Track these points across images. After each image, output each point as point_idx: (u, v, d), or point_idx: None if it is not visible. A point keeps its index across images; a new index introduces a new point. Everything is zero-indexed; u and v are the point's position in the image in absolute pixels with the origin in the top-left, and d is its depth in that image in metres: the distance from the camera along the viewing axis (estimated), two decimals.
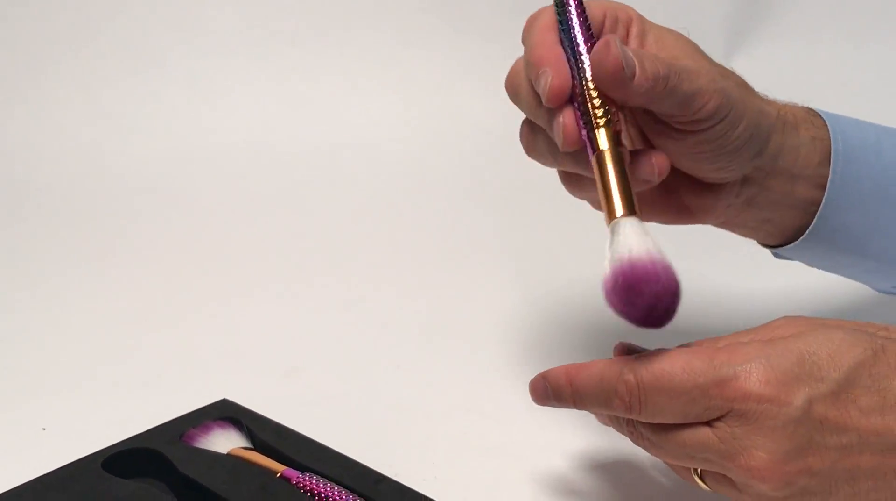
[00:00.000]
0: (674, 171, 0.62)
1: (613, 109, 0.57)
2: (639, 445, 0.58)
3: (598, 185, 0.56)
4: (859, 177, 0.67)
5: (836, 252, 0.70)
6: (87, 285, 1.00)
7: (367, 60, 1.38)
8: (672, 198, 0.65)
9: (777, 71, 1.38)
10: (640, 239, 0.54)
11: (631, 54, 0.55)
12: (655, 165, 0.59)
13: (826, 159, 0.66)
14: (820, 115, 0.68)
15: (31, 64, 1.34)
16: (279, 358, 0.85)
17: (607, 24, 0.61)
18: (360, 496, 0.62)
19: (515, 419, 0.75)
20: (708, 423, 0.53)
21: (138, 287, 1.00)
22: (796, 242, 0.69)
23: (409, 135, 1.31)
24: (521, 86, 0.60)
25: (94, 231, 1.13)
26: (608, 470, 0.70)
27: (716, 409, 0.52)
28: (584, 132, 0.56)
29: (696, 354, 0.53)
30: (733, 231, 0.70)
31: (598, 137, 0.56)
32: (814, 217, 0.67)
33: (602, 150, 0.56)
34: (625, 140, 0.59)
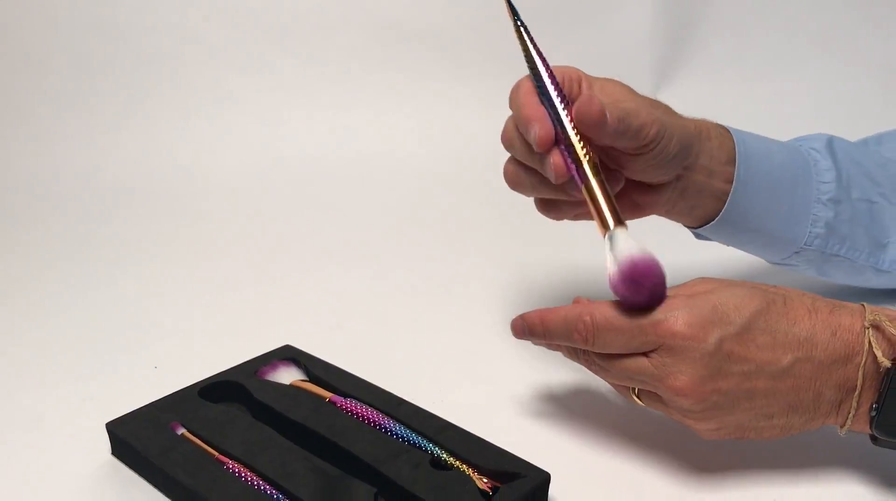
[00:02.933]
0: (626, 180, 0.63)
1: (589, 146, 0.57)
2: (591, 371, 0.59)
3: (591, 207, 0.57)
4: (757, 173, 0.68)
5: (740, 231, 0.70)
6: (189, 261, 1.00)
7: (390, 94, 1.38)
8: (626, 199, 0.65)
9: (692, 103, 1.37)
10: (632, 244, 0.55)
11: (602, 103, 0.56)
12: (617, 179, 0.61)
13: (731, 160, 0.67)
14: (725, 127, 0.69)
15: (141, 97, 1.34)
16: (327, 315, 0.85)
17: (564, 83, 0.61)
18: (386, 414, 0.62)
19: (500, 359, 0.76)
20: (645, 354, 0.54)
21: (226, 262, 1.00)
22: (713, 222, 0.69)
23: (423, 149, 1.30)
24: (514, 139, 0.61)
25: (192, 221, 1.13)
26: (570, 394, 0.70)
27: (650, 344, 0.54)
28: (572, 167, 0.57)
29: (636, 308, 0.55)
30: (670, 218, 0.70)
31: (585, 170, 0.57)
32: (723, 204, 0.68)
33: (590, 179, 0.56)
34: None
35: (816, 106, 1.41)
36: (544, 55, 0.60)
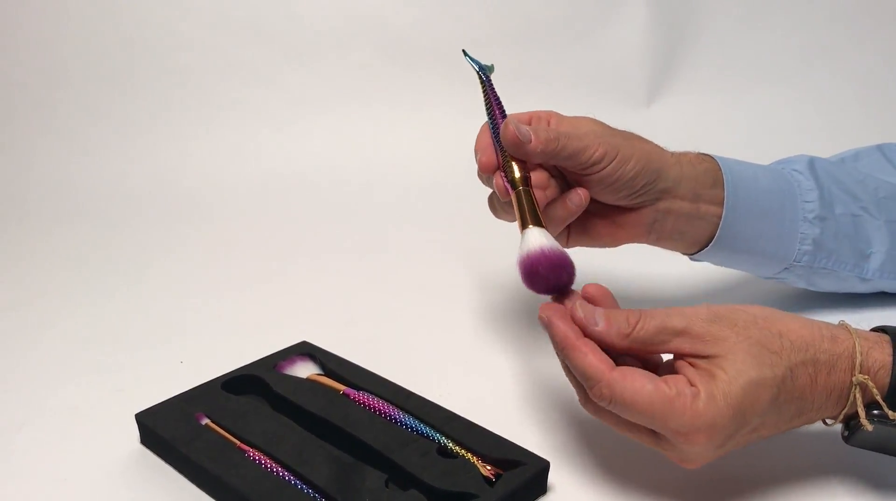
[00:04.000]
0: (602, 205, 0.65)
1: (521, 166, 0.61)
2: (585, 407, 0.55)
3: (515, 211, 0.60)
4: (746, 198, 0.68)
5: (734, 253, 0.71)
6: (211, 262, 1.00)
7: (399, 107, 1.38)
8: (608, 223, 0.67)
9: (683, 115, 1.38)
10: (537, 239, 0.57)
11: (526, 129, 0.60)
12: (581, 195, 0.63)
13: (718, 184, 0.67)
14: (710, 155, 0.69)
15: (165, 109, 1.34)
16: (341, 313, 0.85)
17: (532, 121, 0.65)
18: (396, 406, 0.62)
19: (504, 354, 0.76)
20: (653, 433, 0.51)
21: (247, 264, 1.00)
22: (708, 247, 0.69)
23: (429, 158, 1.30)
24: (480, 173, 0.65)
25: (213, 225, 1.14)
26: (569, 387, 0.69)
27: (665, 436, 0.50)
28: (507, 184, 0.62)
29: (659, 392, 0.49)
30: (663, 246, 0.71)
31: (514, 180, 0.61)
32: (717, 228, 0.68)
33: (512, 190, 0.61)
34: (552, 185, 0.64)
35: (801, 118, 1.41)
36: (498, 96, 0.66)
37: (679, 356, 0.52)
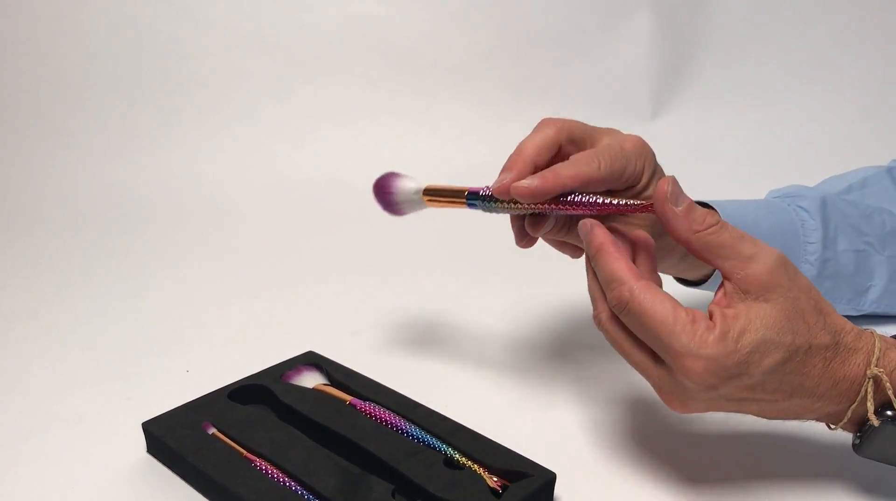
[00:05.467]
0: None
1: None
2: (595, 312, 0.54)
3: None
4: None
5: None
6: (218, 272, 1.01)
7: (406, 117, 1.39)
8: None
9: (687, 128, 1.38)
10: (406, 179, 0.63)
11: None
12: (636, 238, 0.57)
13: None
14: (708, 203, 0.69)
15: (174, 118, 1.35)
16: (347, 323, 0.85)
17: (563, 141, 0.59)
18: (402, 416, 0.62)
19: (510, 365, 0.76)
20: (654, 357, 0.51)
21: (253, 273, 1.00)
22: (708, 281, 0.69)
23: (436, 169, 1.29)
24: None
25: (221, 234, 1.14)
26: (575, 398, 0.70)
27: (665, 358, 0.50)
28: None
29: (674, 313, 0.49)
30: (667, 273, 0.68)
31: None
32: (712, 268, 0.67)
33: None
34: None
35: (806, 133, 1.41)
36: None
37: (726, 276, 0.52)
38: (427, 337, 0.82)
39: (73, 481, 0.60)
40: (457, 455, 0.58)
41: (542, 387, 0.72)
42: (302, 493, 0.55)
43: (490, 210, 0.59)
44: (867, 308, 0.77)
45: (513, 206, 0.58)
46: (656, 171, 0.59)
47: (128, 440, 0.64)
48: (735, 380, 0.49)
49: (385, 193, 0.65)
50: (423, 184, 0.64)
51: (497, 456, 0.58)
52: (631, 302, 0.50)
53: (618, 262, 0.51)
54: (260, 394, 0.67)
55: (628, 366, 0.54)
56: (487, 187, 0.59)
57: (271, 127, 1.36)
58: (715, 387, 0.49)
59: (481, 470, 0.57)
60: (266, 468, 0.57)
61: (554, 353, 0.59)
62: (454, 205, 0.62)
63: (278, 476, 0.56)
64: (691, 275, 0.70)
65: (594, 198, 0.56)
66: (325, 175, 1.30)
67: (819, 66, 1.47)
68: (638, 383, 0.68)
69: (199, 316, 0.88)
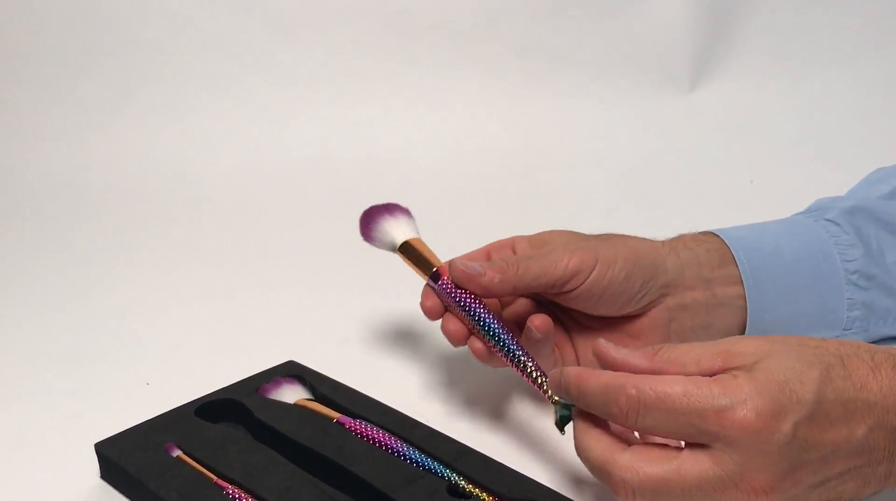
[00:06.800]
0: (606, 320, 0.66)
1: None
2: (623, 487, 0.52)
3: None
4: (771, 277, 0.68)
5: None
6: (184, 269, 1.01)
7: (402, 88, 1.38)
8: (620, 337, 0.67)
9: (730, 101, 1.38)
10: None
11: (477, 265, 0.64)
12: (537, 322, 0.63)
13: (727, 262, 0.68)
14: (710, 232, 0.70)
15: (131, 90, 1.35)
16: (333, 330, 0.85)
17: (492, 254, 0.70)
18: (399, 437, 0.62)
19: (515, 382, 0.75)
20: (701, 445, 0.50)
21: (225, 271, 1.00)
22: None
23: (437, 149, 1.30)
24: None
25: (187, 226, 1.14)
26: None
27: (708, 434, 0.49)
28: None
29: (693, 382, 0.49)
30: None
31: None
32: (743, 310, 0.68)
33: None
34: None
35: (865, 108, 1.41)
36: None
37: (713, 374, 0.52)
38: (426, 345, 0.82)
39: None
40: (463, 482, 0.58)
41: (515, 403, 0.72)
42: None
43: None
44: None
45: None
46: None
47: (78, 464, 0.64)
48: (793, 408, 0.48)
49: (367, 224, 0.73)
50: (410, 235, 0.72)
51: (507, 482, 0.58)
52: (642, 395, 0.50)
53: (603, 375, 0.52)
54: (232, 410, 0.67)
55: None
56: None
57: (244, 101, 1.35)
58: (777, 430, 0.48)
59: (490, 499, 0.57)
60: (239, 495, 0.57)
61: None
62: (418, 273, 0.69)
63: None
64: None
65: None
66: (308, 157, 1.30)
67: (884, 30, 1.47)
68: None
69: (162, 320, 0.88)
